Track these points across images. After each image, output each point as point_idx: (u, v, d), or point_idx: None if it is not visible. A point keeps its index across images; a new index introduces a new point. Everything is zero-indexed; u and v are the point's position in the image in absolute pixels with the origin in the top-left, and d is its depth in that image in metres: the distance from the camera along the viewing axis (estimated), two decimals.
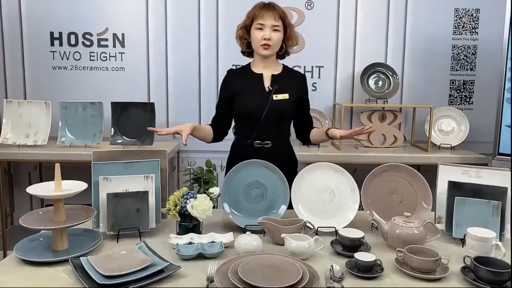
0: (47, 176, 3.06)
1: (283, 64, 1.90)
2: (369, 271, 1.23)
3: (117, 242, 1.44)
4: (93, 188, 1.51)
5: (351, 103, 3.05)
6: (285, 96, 1.80)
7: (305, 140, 1.96)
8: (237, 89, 1.83)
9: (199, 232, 1.52)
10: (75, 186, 1.38)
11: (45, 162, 2.92)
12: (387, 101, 2.80)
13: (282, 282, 1.09)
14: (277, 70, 1.86)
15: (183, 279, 1.19)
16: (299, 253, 1.31)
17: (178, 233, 1.52)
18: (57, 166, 1.34)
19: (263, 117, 1.77)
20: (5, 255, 2.60)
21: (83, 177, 3.08)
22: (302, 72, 2.58)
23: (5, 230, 2.72)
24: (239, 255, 1.32)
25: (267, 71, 1.84)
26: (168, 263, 1.20)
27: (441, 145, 2.86)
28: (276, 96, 1.79)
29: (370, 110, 2.87)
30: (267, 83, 1.83)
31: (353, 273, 1.22)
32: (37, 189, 1.33)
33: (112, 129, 2.66)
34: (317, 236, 1.36)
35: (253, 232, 1.53)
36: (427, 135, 2.83)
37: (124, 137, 2.66)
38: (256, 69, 1.86)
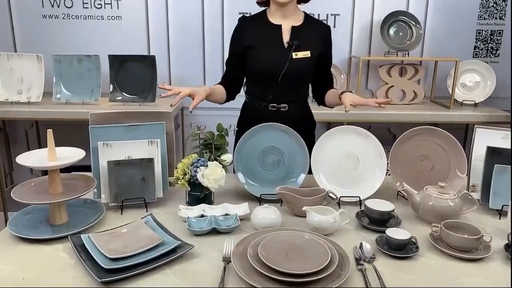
0: (44, 134, 2.90)
1: (304, 13, 1.66)
2: (403, 249, 1.10)
3: (121, 214, 1.31)
4: (92, 155, 1.36)
5: (369, 55, 2.82)
6: (306, 54, 1.59)
7: (321, 101, 1.77)
8: (251, 43, 1.61)
9: (211, 202, 1.39)
10: (71, 154, 1.23)
11: (41, 120, 2.76)
12: (408, 54, 2.57)
13: (308, 266, 0.96)
14: (298, 21, 1.63)
15: (196, 259, 1.07)
16: (322, 229, 1.18)
17: (188, 203, 1.39)
18: (50, 133, 1.18)
19: (280, 78, 1.57)
20: (5, 217, 2.51)
21: (82, 137, 2.91)
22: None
23: (4, 191, 2.62)
24: (257, 230, 1.19)
25: (286, 22, 1.61)
26: (179, 241, 1.07)
27: (463, 102, 2.67)
28: (296, 54, 1.58)
29: (389, 63, 2.65)
30: (286, 37, 1.61)
31: (384, 252, 1.10)
32: (28, 159, 1.17)
33: (111, 85, 2.46)
34: (342, 210, 1.23)
35: (269, 201, 1.40)
36: (449, 91, 2.63)
37: (124, 94, 2.48)
38: (274, 19, 1.62)
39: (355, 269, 1.03)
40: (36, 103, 2.43)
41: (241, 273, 0.96)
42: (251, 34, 1.63)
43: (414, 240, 1.12)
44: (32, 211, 1.25)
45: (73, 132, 2.89)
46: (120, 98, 2.47)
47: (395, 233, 1.12)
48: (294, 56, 1.58)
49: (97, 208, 1.29)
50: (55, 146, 1.19)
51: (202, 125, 1.38)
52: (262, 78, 1.61)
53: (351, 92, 1.59)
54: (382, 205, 1.26)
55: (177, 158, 1.46)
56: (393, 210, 1.25)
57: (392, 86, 2.61)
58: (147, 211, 1.33)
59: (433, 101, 2.80)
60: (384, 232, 1.20)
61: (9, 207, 2.54)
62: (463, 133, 2.92)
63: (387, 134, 2.97)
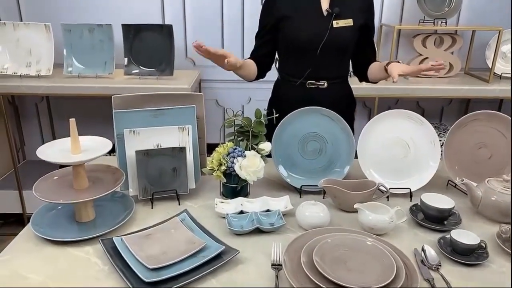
0: (55, 108, 2.78)
1: None
2: (470, 254, 0.99)
3: (152, 208, 1.20)
4: (117, 143, 1.23)
5: (400, 24, 2.60)
6: (348, 22, 1.41)
7: (364, 76, 1.60)
8: (285, 12, 1.44)
9: (247, 194, 1.28)
10: (97, 145, 1.10)
11: (53, 95, 2.61)
12: (446, 22, 2.36)
13: (372, 279, 0.86)
14: None
15: (242, 265, 0.96)
16: (378, 229, 1.07)
17: (223, 194, 1.28)
18: (72, 122, 1.05)
19: (319, 50, 1.41)
20: (20, 195, 2.43)
21: (96, 114, 2.79)
22: None
23: (17, 167, 2.52)
24: (304, 230, 1.08)
25: None
26: (224, 247, 0.96)
27: (502, 75, 2.48)
28: (337, 23, 1.40)
29: (424, 33, 2.45)
30: (325, 4, 1.43)
31: (449, 257, 0.99)
32: (49, 152, 1.05)
33: (126, 59, 2.30)
34: (398, 208, 1.11)
35: (309, 193, 1.29)
36: (488, 63, 2.44)
37: (140, 67, 2.31)
38: None
39: (420, 279, 0.92)
40: (46, 77, 2.28)
41: (296, 284, 0.85)
42: (285, 2, 1.45)
43: (483, 245, 1.00)
44: (55, 206, 1.14)
45: (86, 105, 2.78)
46: (136, 71, 2.30)
47: (462, 236, 1.00)
48: (334, 25, 1.41)
49: (126, 203, 1.18)
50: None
51: (238, 111, 1.24)
52: (298, 51, 1.45)
53: (398, 62, 1.42)
54: (440, 201, 1.14)
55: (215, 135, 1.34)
56: (454, 207, 1.13)
57: (426, 58, 2.42)
58: (179, 204, 1.23)
59: (467, 73, 2.61)
60: (445, 232, 1.09)
61: (23, 184, 2.46)
62: (497, 109, 2.75)
63: (415, 108, 2.82)
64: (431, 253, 0.99)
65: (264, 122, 1.25)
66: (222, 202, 1.20)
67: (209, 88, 2.72)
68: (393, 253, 0.93)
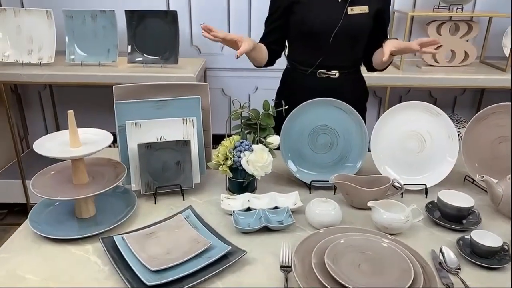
0: (59, 96, 2.73)
1: None
2: (491, 257, 0.93)
3: (155, 204, 1.15)
4: (118, 136, 1.18)
5: (414, 10, 2.50)
6: (364, 9, 1.33)
7: (370, 65, 1.52)
8: None
9: (254, 189, 1.22)
10: (97, 138, 1.05)
11: (55, 84, 2.56)
12: (462, 9, 2.26)
13: (388, 285, 0.80)
14: None
15: (249, 267, 0.91)
16: (392, 228, 1.01)
17: (229, 189, 1.22)
18: (71, 114, 0.99)
19: (332, 38, 1.33)
20: (24, 185, 2.40)
21: (101, 103, 2.71)
22: None
23: (21, 156, 2.48)
24: (314, 228, 1.03)
25: None
26: (230, 247, 0.91)
27: None
28: (352, 9, 1.33)
29: (438, 20, 2.34)
30: None
31: (468, 259, 0.93)
32: (47, 146, 0.99)
33: (129, 46, 2.23)
34: (414, 206, 1.05)
35: (320, 188, 1.23)
36: (504, 52, 2.34)
37: (144, 54, 2.24)
38: None
39: (439, 283, 0.87)
40: (48, 65, 2.22)
41: (303, 285, 0.80)
42: None
43: (506, 247, 0.94)
44: (54, 202, 1.10)
45: (88, 94, 2.73)
46: (140, 59, 2.24)
47: (483, 237, 0.94)
48: (349, 12, 1.33)
49: (128, 198, 1.13)
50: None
51: (245, 102, 1.17)
52: (310, 38, 1.37)
53: (396, 39, 1.32)
54: (458, 198, 1.08)
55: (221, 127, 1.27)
56: (473, 206, 1.06)
57: (440, 46, 2.32)
58: (183, 200, 1.18)
59: (483, 62, 2.51)
60: (463, 232, 1.03)
61: (26, 173, 2.42)
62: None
63: (427, 98, 2.73)
64: (450, 255, 0.93)
65: (272, 114, 1.18)
66: (228, 198, 1.15)
67: (214, 76, 2.65)
68: (410, 255, 0.87)
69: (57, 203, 1.09)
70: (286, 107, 1.19)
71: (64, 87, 2.66)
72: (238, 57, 1.20)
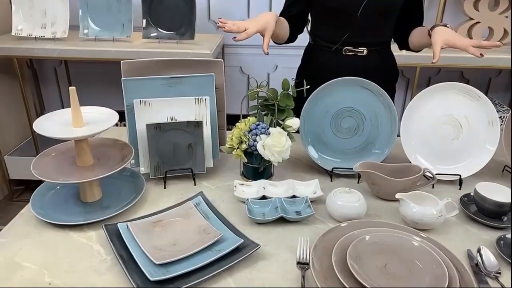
0: (74, 72, 2.68)
1: None
2: None
3: (165, 188, 1.08)
4: (126, 115, 1.10)
5: None
6: None
7: (405, 43, 1.38)
8: None
9: (270, 175, 1.14)
10: (102, 117, 0.98)
11: (68, 59, 2.50)
12: None
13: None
14: None
15: (263, 262, 0.83)
16: (423, 224, 0.91)
17: (243, 175, 1.14)
18: (73, 91, 0.91)
19: (360, 12, 1.20)
20: None
21: (116, 80, 2.66)
22: None
23: (35, 134, 2.46)
24: (338, 222, 0.94)
25: None
26: (242, 240, 0.83)
27: None
28: None
29: None
30: None
31: (507, 260, 0.82)
32: (48, 125, 0.92)
33: (144, 20, 2.13)
34: (449, 199, 0.94)
35: (342, 176, 1.13)
36: None
37: (159, 29, 2.15)
38: None
39: None
40: (62, 39, 2.16)
41: (323, 286, 0.71)
42: None
43: None
44: (56, 185, 1.03)
45: (103, 70, 2.66)
46: (154, 34, 2.15)
47: None
48: None
49: (136, 181, 1.06)
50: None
51: (263, 81, 1.07)
52: (335, 13, 1.25)
53: (445, 26, 1.17)
54: (497, 192, 0.97)
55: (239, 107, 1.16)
56: None
57: (477, 22, 2.14)
58: (195, 184, 1.10)
59: None
60: (503, 229, 0.93)
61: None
62: None
63: (458, 79, 2.56)
64: (490, 257, 0.83)
65: (292, 95, 1.08)
66: (242, 185, 1.07)
67: (233, 54, 2.54)
68: (445, 257, 0.77)
69: (58, 186, 1.03)
70: (308, 86, 1.09)
71: (80, 63, 2.60)
72: (267, 54, 1.09)
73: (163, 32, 2.15)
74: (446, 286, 0.70)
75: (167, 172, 1.09)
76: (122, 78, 1.08)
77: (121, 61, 1.10)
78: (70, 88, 0.91)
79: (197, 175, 1.12)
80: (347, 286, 0.71)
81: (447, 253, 0.80)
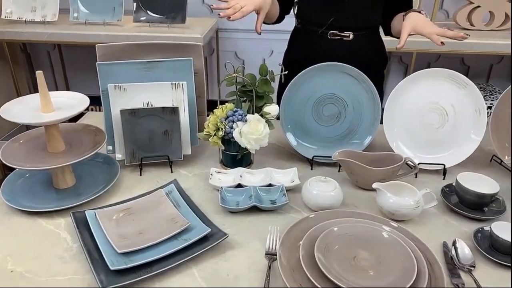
0: (68, 56, 2.66)
1: None
2: None
3: (140, 175, 1.06)
4: (102, 100, 1.08)
5: None
6: None
7: (389, 28, 1.32)
8: None
9: (250, 162, 1.11)
10: (72, 102, 0.95)
11: (58, 43, 2.47)
12: None
13: (386, 284, 0.69)
14: None
15: (231, 252, 0.81)
16: (399, 215, 0.88)
17: (222, 162, 1.12)
18: (40, 76, 0.89)
19: None
20: None
21: None
22: None
23: None
24: (311, 211, 0.91)
25: None
26: (210, 229, 0.81)
27: None
28: None
29: None
30: None
31: (484, 254, 0.80)
32: (15, 110, 0.90)
33: (135, 3, 2.09)
34: (427, 190, 0.91)
35: (324, 165, 1.10)
36: None
37: (150, 13, 2.11)
38: None
39: (448, 283, 0.74)
40: (52, 23, 2.13)
41: (290, 283, 0.69)
42: None
43: None
44: (27, 172, 1.02)
45: (94, 59, 2.63)
46: (145, 18, 2.11)
47: (504, 230, 0.80)
48: None
49: (111, 168, 1.04)
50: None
51: (240, 66, 1.03)
52: None
53: (419, 12, 1.13)
54: (480, 182, 0.93)
55: (212, 92, 1.14)
56: (498, 192, 0.91)
57: (478, 6, 2.07)
58: (171, 172, 1.08)
59: None
60: (483, 221, 0.89)
61: None
62: None
63: (459, 66, 2.49)
64: (465, 250, 0.80)
65: (271, 81, 1.04)
66: (219, 172, 1.05)
67: (227, 38, 2.49)
68: (416, 249, 0.75)
69: (28, 174, 1.01)
70: (286, 72, 1.05)
71: (73, 46, 2.57)
72: (260, 34, 1.06)
73: (154, 16, 2.11)
74: (413, 279, 0.68)
75: (142, 159, 1.07)
76: (97, 63, 1.06)
77: (96, 45, 1.07)
78: (37, 72, 0.89)
79: (175, 162, 1.10)
80: (313, 280, 0.69)
81: (420, 245, 0.78)
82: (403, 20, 1.13)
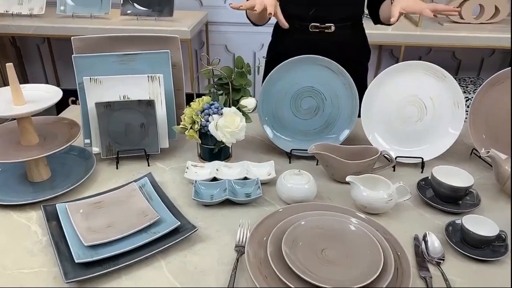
0: (58, 50, 2.65)
1: None
2: (484, 247, 0.80)
3: (117, 169, 1.06)
4: (79, 93, 1.07)
5: None
6: None
7: (377, 17, 1.31)
8: None
9: (228, 156, 1.11)
10: (45, 95, 0.95)
11: (44, 36, 2.46)
12: None
13: (351, 272, 0.69)
14: None
15: (201, 245, 0.81)
16: (372, 208, 0.88)
17: (200, 156, 1.11)
18: (10, 68, 0.88)
19: None
20: None
21: None
22: None
23: None
24: (285, 203, 0.91)
25: None
26: (179, 222, 0.81)
27: None
28: None
29: None
30: None
31: (456, 249, 0.80)
32: None
33: None
34: (401, 183, 0.91)
35: (302, 158, 1.10)
36: None
37: (137, 6, 2.09)
38: None
39: (415, 276, 0.74)
40: (39, 16, 2.11)
41: (254, 274, 0.69)
42: None
43: (503, 236, 0.80)
44: (2, 164, 1.02)
45: None
46: (132, 11, 2.09)
47: (477, 223, 0.80)
48: None
49: (88, 162, 1.04)
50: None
51: (215, 58, 1.03)
52: None
53: None
54: (455, 176, 0.93)
55: (202, 86, 1.13)
56: (472, 185, 0.91)
57: (459, 11, 2.06)
58: (148, 165, 1.08)
59: None
60: (458, 215, 0.89)
61: None
62: None
63: (450, 59, 2.48)
64: (434, 243, 0.80)
65: (247, 74, 1.04)
66: (196, 166, 1.04)
67: (217, 32, 2.48)
68: (384, 242, 0.75)
69: (0, 168, 1.01)
70: (261, 65, 1.04)
71: (63, 41, 2.56)
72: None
73: (141, 9, 2.10)
74: (379, 272, 0.68)
75: (119, 152, 1.06)
76: (72, 55, 1.05)
77: (72, 37, 1.06)
78: (7, 65, 0.88)
79: (153, 156, 1.09)
80: (277, 272, 0.68)
81: (389, 237, 0.78)
82: (392, 4, 1.12)
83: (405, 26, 2.10)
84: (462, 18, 2.09)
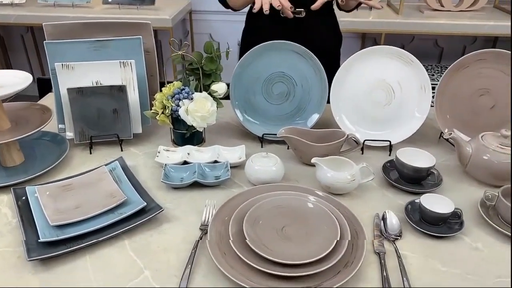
0: (41, 39, 2.63)
1: None
2: (441, 224, 0.82)
3: (90, 154, 1.08)
4: (52, 79, 1.08)
5: None
6: None
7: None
8: None
9: (201, 141, 1.13)
10: (14, 80, 0.96)
11: (26, 25, 2.45)
12: None
13: (309, 249, 0.72)
14: None
15: (168, 225, 0.83)
16: (335, 188, 0.91)
17: (174, 141, 1.13)
18: None
19: None
20: None
21: None
22: None
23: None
24: (253, 185, 0.94)
25: None
26: (145, 203, 0.83)
27: None
28: None
29: None
30: None
31: (413, 226, 0.82)
32: None
33: None
34: (364, 164, 0.93)
35: (273, 142, 1.12)
36: None
37: None
38: None
39: (370, 252, 0.77)
40: (20, 5, 2.10)
41: (214, 253, 0.71)
42: None
43: (459, 212, 0.83)
44: None
45: None
46: (113, 0, 2.09)
47: (433, 202, 0.83)
48: None
49: (61, 147, 1.06)
50: None
51: (185, 43, 1.04)
52: None
53: None
54: (419, 157, 0.96)
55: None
56: (434, 165, 0.94)
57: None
58: (121, 150, 1.09)
59: (497, 7, 2.25)
60: (419, 194, 0.92)
61: None
62: None
63: (432, 47, 2.50)
64: (393, 221, 0.83)
65: (217, 59, 1.05)
66: (168, 151, 1.06)
67: (201, 20, 2.48)
68: (342, 218, 0.78)
69: None
70: (230, 50, 1.06)
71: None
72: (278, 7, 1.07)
73: None
74: (333, 246, 0.71)
75: (92, 138, 1.08)
76: (44, 41, 1.06)
77: (43, 24, 1.07)
78: None
79: (127, 141, 1.11)
80: (234, 249, 0.71)
81: (348, 214, 0.81)
82: None
83: (386, 14, 2.11)
84: (442, 5, 2.10)
